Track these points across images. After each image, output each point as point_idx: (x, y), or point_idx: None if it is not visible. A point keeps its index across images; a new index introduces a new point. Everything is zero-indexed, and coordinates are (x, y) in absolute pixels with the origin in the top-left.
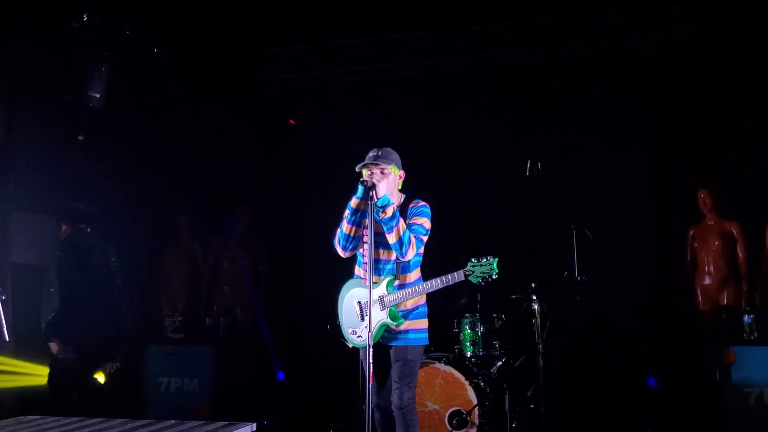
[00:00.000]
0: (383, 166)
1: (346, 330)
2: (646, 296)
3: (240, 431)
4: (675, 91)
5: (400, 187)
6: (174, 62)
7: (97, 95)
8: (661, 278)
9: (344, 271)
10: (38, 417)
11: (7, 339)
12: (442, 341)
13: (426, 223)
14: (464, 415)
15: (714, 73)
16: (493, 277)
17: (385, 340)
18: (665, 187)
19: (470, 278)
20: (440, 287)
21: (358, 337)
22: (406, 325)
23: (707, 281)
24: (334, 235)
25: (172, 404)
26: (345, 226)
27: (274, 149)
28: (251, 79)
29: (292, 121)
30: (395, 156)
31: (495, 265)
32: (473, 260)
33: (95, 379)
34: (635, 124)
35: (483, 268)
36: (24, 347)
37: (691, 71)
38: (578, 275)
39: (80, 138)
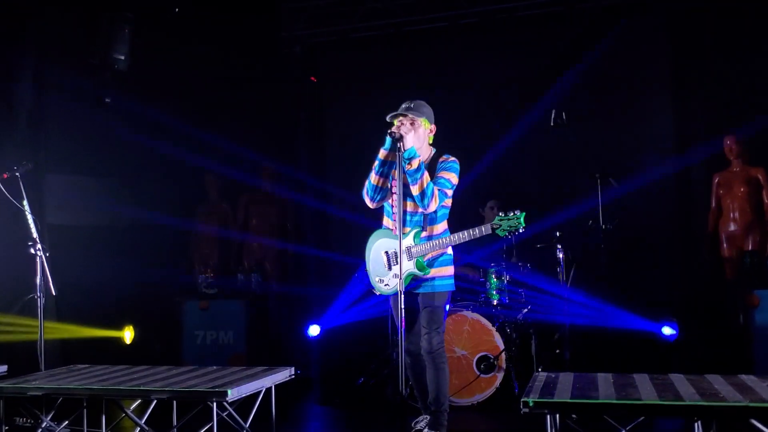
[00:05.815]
0: (413, 117)
1: (374, 278)
2: (670, 243)
3: (279, 375)
4: (700, 35)
5: (430, 141)
6: (194, 21)
7: (122, 57)
8: (685, 226)
9: (371, 223)
10: (87, 366)
11: (54, 293)
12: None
13: (453, 178)
14: (492, 360)
15: (740, 14)
16: (520, 230)
17: (412, 288)
18: (690, 135)
19: (497, 231)
20: (467, 240)
21: (385, 285)
22: (432, 272)
23: (732, 228)
24: (362, 186)
25: (209, 356)
26: (373, 177)
27: (297, 106)
28: (271, 35)
29: (313, 78)
30: (427, 109)
31: (522, 219)
32: (500, 214)
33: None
34: (659, 70)
35: (510, 222)
36: (62, 303)
37: (716, 13)
38: (603, 224)
39: (107, 100)
